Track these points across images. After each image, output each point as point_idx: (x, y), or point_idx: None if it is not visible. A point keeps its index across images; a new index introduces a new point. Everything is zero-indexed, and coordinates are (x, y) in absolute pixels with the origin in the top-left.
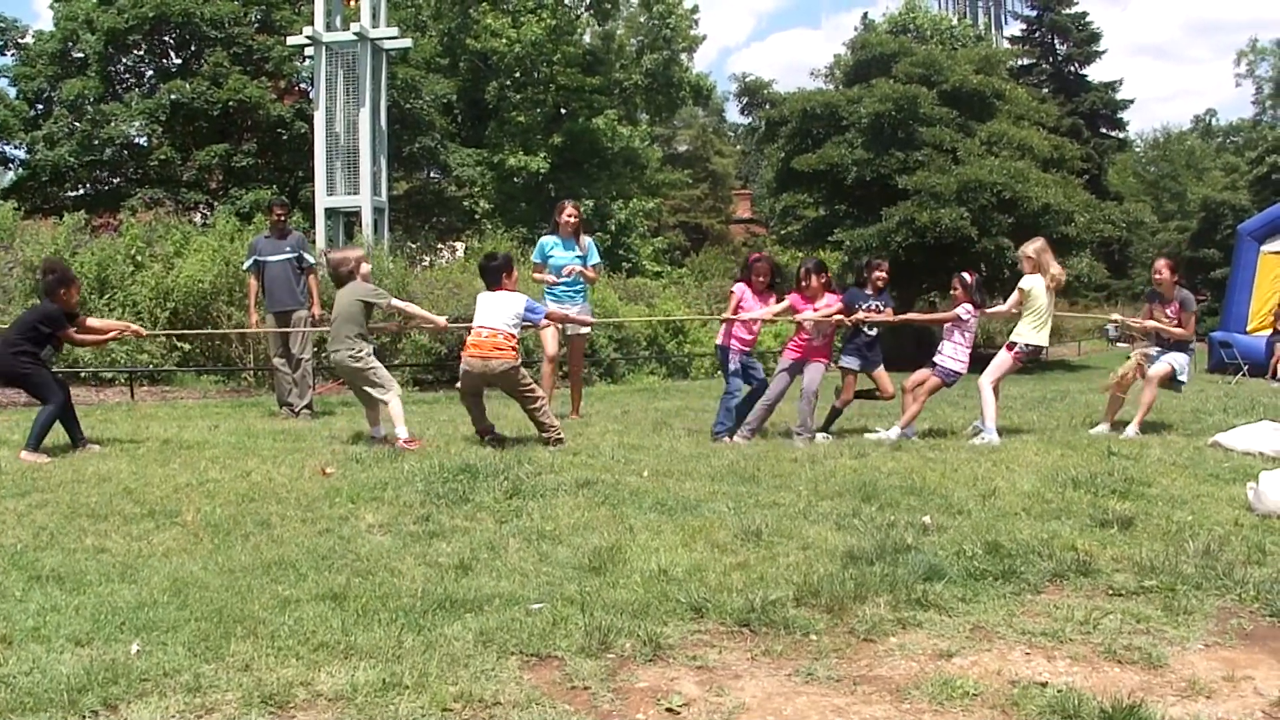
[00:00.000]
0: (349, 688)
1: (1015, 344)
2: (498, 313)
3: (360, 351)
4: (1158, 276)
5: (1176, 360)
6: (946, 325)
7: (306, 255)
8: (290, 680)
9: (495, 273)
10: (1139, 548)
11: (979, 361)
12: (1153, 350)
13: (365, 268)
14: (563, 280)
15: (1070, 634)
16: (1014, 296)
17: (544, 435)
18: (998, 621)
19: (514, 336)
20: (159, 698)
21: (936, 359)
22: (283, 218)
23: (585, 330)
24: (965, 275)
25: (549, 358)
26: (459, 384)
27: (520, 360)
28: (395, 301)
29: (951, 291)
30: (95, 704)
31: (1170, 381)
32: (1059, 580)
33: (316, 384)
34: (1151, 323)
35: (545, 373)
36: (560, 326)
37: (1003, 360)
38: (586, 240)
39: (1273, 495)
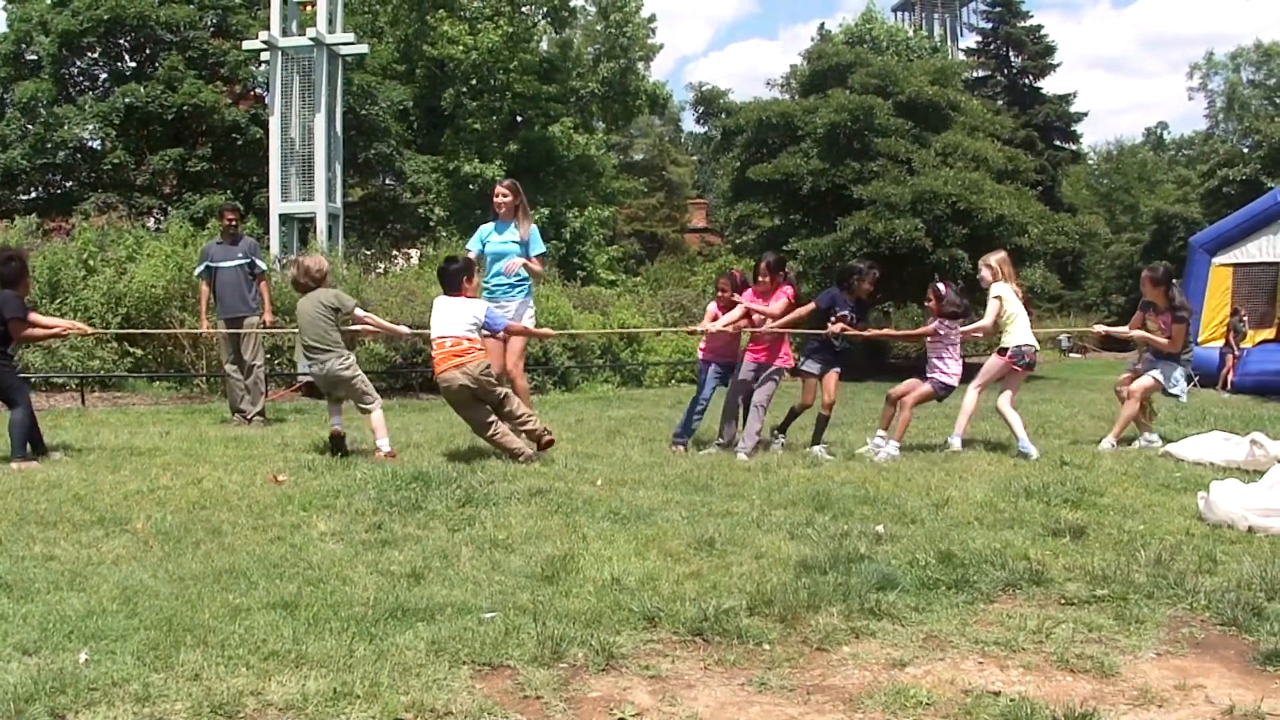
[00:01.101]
0: (300, 697)
1: (1006, 349)
2: (455, 319)
3: (349, 360)
4: (1144, 289)
5: (1162, 373)
6: (931, 341)
7: (258, 261)
8: (240, 690)
9: (455, 277)
10: (1091, 557)
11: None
12: (1140, 364)
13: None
14: (498, 274)
15: (1023, 643)
16: (992, 308)
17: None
18: (951, 631)
19: (476, 340)
20: (107, 707)
21: (929, 373)
22: (234, 222)
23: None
24: (940, 286)
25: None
26: (448, 400)
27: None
28: (359, 312)
29: (926, 303)
30: (42, 713)
31: (1161, 392)
32: (1012, 589)
33: (269, 390)
34: (1138, 332)
35: None
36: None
37: (992, 365)
38: (530, 227)
39: (1223, 505)
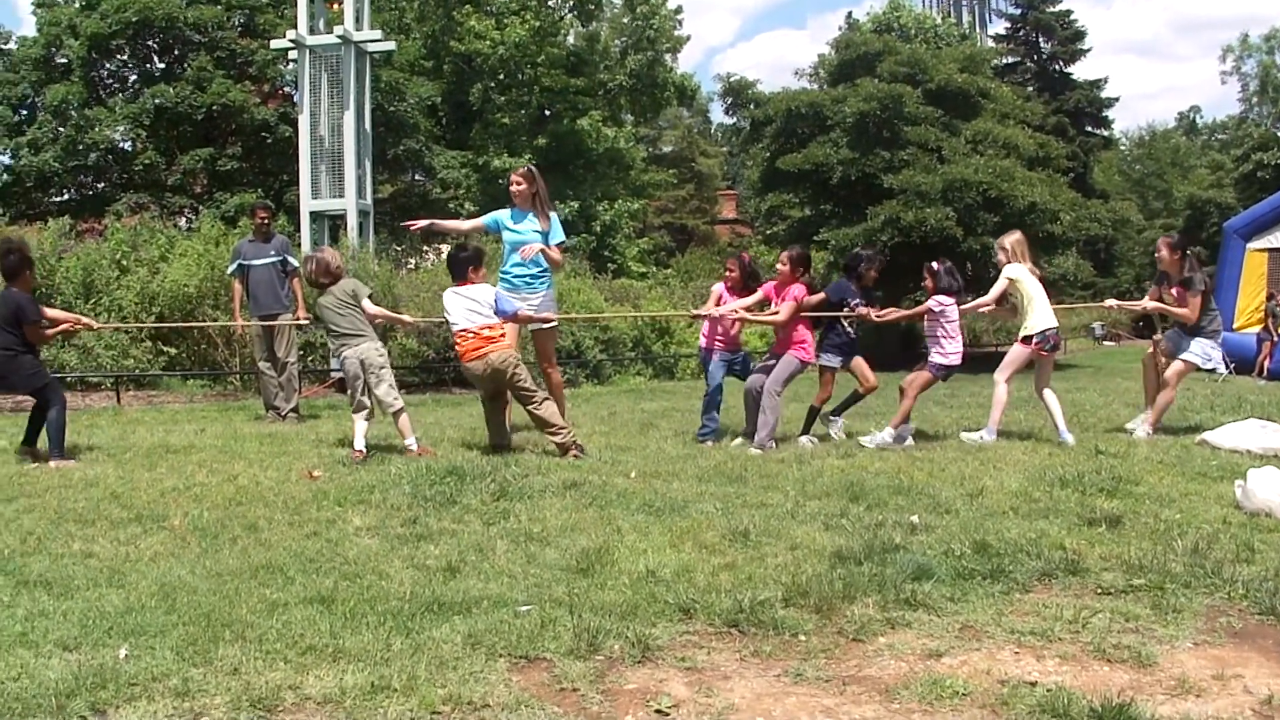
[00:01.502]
0: (337, 691)
1: (1029, 336)
2: (469, 310)
3: (383, 348)
4: (1158, 255)
5: (1193, 354)
6: (928, 321)
7: (290, 258)
8: (279, 684)
9: (462, 264)
10: (1127, 546)
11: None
12: (1165, 340)
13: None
14: (518, 264)
15: (1059, 633)
16: (999, 285)
17: (554, 440)
18: (986, 621)
19: (496, 327)
20: (147, 702)
21: (929, 356)
22: (265, 220)
23: (548, 325)
24: (934, 264)
25: None
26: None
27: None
28: (365, 303)
29: (923, 283)
30: (83, 709)
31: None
32: (1047, 579)
33: (303, 387)
34: (1153, 304)
35: None
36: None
37: (1016, 353)
38: (552, 215)
39: (1261, 493)
